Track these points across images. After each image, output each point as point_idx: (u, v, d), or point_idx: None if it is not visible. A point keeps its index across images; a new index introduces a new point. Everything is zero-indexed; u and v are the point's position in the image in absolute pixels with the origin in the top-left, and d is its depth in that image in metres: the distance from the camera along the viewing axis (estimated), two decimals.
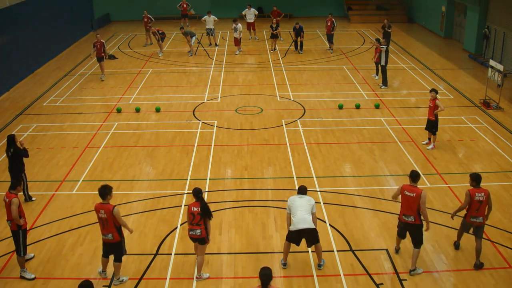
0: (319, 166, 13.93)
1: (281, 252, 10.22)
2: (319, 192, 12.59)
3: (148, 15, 28.09)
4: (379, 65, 20.72)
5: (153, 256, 10.30)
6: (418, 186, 9.51)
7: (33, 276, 9.72)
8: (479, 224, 9.76)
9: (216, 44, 28.04)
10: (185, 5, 32.35)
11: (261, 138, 15.85)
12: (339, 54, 25.98)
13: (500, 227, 11.11)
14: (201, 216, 9.21)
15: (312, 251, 10.17)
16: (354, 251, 10.32)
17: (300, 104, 18.71)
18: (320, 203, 12.07)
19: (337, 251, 10.34)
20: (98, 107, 18.87)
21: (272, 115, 17.77)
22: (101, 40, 21.89)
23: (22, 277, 9.69)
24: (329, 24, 25.83)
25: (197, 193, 9.29)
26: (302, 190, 9.78)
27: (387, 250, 10.34)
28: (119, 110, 18.23)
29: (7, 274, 9.82)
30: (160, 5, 35.24)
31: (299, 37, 26.04)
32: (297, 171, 13.61)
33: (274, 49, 26.81)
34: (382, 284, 9.39)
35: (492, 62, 18.55)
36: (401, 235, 9.99)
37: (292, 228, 9.49)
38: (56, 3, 27.41)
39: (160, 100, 19.18)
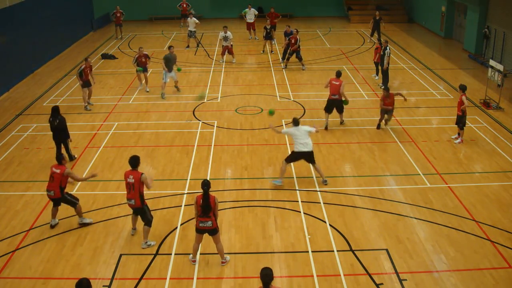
0: (319, 166, 13.91)
1: (282, 252, 10.29)
2: (319, 192, 12.59)
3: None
4: (379, 66, 20.71)
5: (153, 256, 10.30)
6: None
7: (91, 219, 11.32)
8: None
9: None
10: (185, 5, 32.35)
11: (261, 138, 15.86)
12: (339, 54, 25.99)
13: (500, 227, 11.11)
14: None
15: (317, 177, 13.18)
16: (354, 251, 10.33)
17: (300, 104, 18.71)
18: (320, 203, 12.09)
19: (337, 251, 10.34)
20: (98, 107, 18.87)
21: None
22: (90, 64, 18.77)
23: (83, 224, 11.16)
24: (293, 41, 22.26)
25: (202, 185, 9.44)
26: (297, 122, 12.73)
27: (387, 250, 10.34)
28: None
29: (7, 274, 9.82)
30: (160, 5, 35.26)
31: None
32: (297, 171, 13.60)
33: (272, 51, 26.42)
34: (382, 284, 9.40)
35: (492, 62, 18.55)
36: (328, 110, 16.28)
37: (296, 150, 12.58)
38: (56, 3, 27.39)
39: (160, 100, 19.16)
